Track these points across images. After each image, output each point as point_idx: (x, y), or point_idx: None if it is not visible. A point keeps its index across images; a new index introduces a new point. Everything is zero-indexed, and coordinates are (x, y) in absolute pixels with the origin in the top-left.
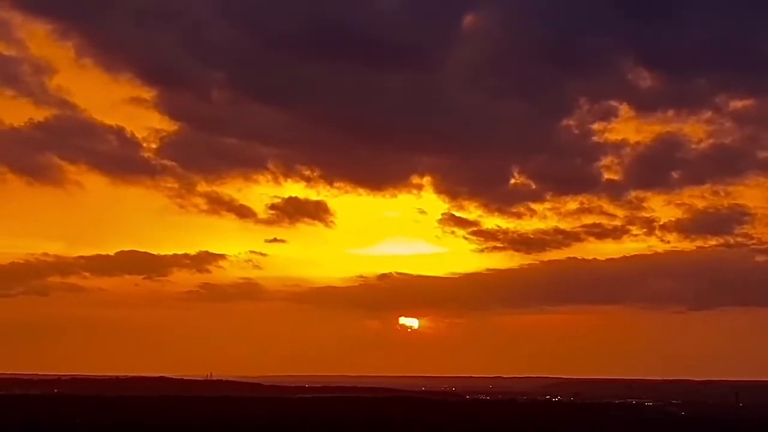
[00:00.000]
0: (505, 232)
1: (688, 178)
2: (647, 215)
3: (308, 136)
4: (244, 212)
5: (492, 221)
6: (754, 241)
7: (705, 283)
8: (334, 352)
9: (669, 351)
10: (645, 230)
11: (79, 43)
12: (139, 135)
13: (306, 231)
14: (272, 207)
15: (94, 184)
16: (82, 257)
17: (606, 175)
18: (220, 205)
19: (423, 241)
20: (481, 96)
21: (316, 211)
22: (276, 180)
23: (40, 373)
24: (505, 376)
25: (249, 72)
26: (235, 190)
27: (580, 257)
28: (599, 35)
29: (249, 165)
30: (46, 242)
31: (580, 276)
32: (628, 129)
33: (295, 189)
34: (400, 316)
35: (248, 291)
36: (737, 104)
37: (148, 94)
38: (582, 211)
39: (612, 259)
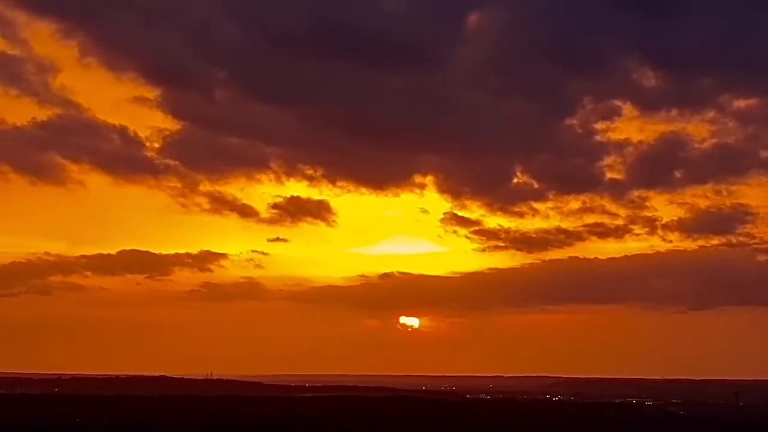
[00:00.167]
0: (507, 231)
1: (691, 178)
2: (649, 214)
3: (311, 135)
4: (246, 211)
5: (494, 220)
6: (756, 241)
7: (707, 283)
8: (334, 352)
9: (669, 351)
10: (647, 230)
11: (83, 42)
12: (142, 134)
13: (308, 230)
14: (274, 206)
15: (97, 183)
16: (83, 256)
17: (609, 175)
18: (222, 205)
19: (425, 240)
20: (485, 95)
21: (319, 211)
22: (279, 179)
23: (40, 372)
24: (505, 375)
25: (252, 71)
26: (237, 189)
27: (581, 257)
28: (603, 35)
29: (252, 164)
30: (47, 241)
31: (581, 275)
32: (631, 128)
33: (297, 188)
34: (402, 315)
35: (250, 290)
36: (741, 104)
37: (151, 93)
38: (584, 210)
39: (613, 258)
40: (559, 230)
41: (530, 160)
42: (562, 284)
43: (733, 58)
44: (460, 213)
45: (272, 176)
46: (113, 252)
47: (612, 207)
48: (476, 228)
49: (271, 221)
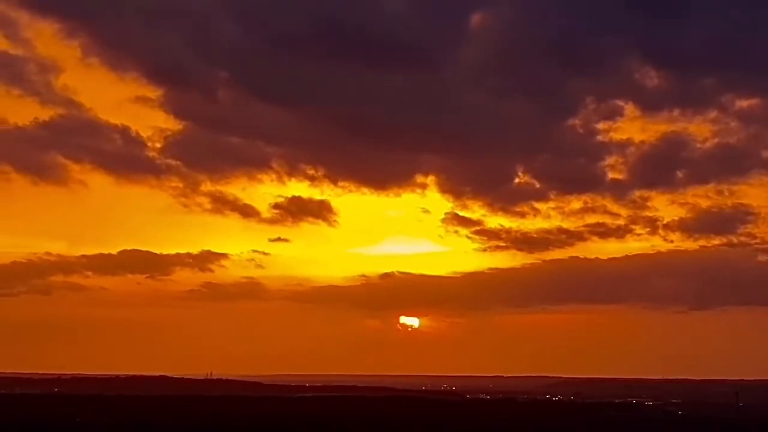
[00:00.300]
0: (508, 231)
1: (693, 178)
2: (651, 214)
3: (313, 135)
4: (247, 211)
5: (495, 220)
6: (757, 241)
7: (707, 283)
8: (335, 352)
9: (670, 351)
10: (648, 229)
11: (86, 42)
12: (144, 134)
13: (309, 230)
14: (276, 206)
15: (99, 183)
16: (84, 256)
17: (610, 175)
18: (224, 205)
19: (426, 240)
20: (486, 95)
21: (320, 211)
22: (280, 179)
23: (41, 372)
24: (505, 375)
25: (254, 72)
26: (239, 189)
27: (582, 256)
28: (605, 34)
29: (253, 164)
30: (48, 241)
31: (582, 275)
32: (633, 128)
33: (299, 188)
34: (402, 315)
35: (250, 290)
36: (743, 104)
37: (153, 93)
38: (586, 210)
39: (614, 258)
40: (560, 230)
41: (532, 160)
42: (563, 284)
43: (735, 58)
44: (462, 213)
45: (274, 176)
46: (114, 252)
47: (613, 207)
48: (477, 228)
49: (272, 221)
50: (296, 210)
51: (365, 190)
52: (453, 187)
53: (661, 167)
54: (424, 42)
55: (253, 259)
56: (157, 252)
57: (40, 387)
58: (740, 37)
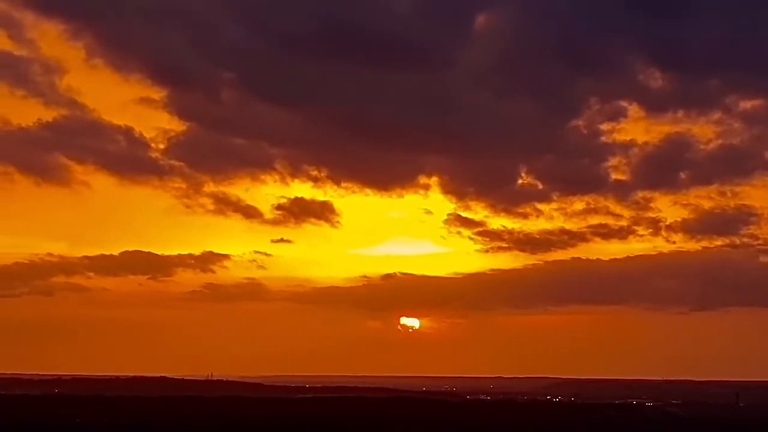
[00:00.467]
0: (511, 232)
1: (696, 179)
2: (653, 215)
3: (316, 136)
4: (250, 212)
5: (498, 221)
6: (760, 242)
7: (709, 284)
8: (335, 353)
9: (671, 352)
10: (651, 230)
11: (90, 43)
12: (147, 135)
13: (311, 231)
14: (278, 207)
15: (102, 184)
16: (86, 257)
17: (613, 176)
18: (226, 206)
19: (428, 241)
20: (490, 96)
21: (322, 212)
22: (283, 180)
23: (40, 373)
24: (506, 376)
25: (258, 72)
26: (242, 190)
27: (584, 257)
28: (610, 35)
29: (257, 165)
30: (50, 242)
31: (583, 276)
32: (637, 129)
33: (302, 189)
34: (403, 316)
35: (252, 291)
36: (747, 105)
37: (157, 94)
38: (588, 211)
39: (616, 259)
40: (563, 231)
41: (535, 161)
42: (565, 285)
43: (739, 59)
44: (464, 214)
45: (277, 177)
46: (116, 253)
47: (616, 208)
48: (480, 229)
49: (275, 222)
50: (299, 211)
51: (368, 191)
52: (456, 188)
53: (664, 168)
54: (428, 42)
55: (254, 260)
56: (159, 253)
57: (41, 388)
58: (745, 39)
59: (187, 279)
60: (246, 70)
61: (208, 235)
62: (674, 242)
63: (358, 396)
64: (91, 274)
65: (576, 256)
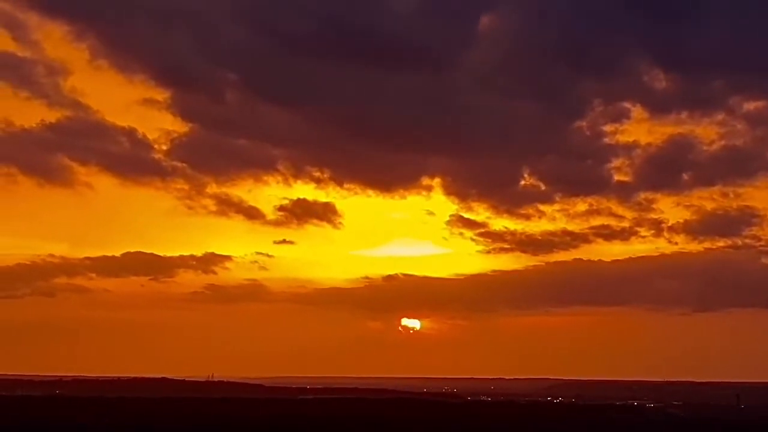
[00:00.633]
0: (513, 233)
1: (698, 180)
2: (656, 217)
3: (319, 137)
4: (252, 214)
5: (500, 223)
6: (761, 243)
7: (711, 285)
8: (336, 354)
9: (673, 353)
10: (653, 232)
11: (94, 44)
12: (150, 136)
13: (314, 232)
14: (281, 208)
15: (104, 185)
16: (88, 258)
17: (616, 177)
18: (229, 207)
19: (430, 242)
20: (493, 97)
21: (324, 213)
22: (286, 181)
23: (42, 374)
24: (507, 377)
25: (261, 74)
26: (245, 191)
27: (586, 258)
28: (614, 37)
29: (259, 166)
30: (52, 243)
31: (585, 278)
32: (640, 131)
33: (305, 190)
34: (405, 317)
35: (253, 292)
36: (750, 106)
37: (161, 95)
38: (591, 212)
39: (617, 260)
40: (565, 232)
41: (538, 162)
42: (567, 286)
43: (743, 60)
44: (467, 215)
45: (280, 178)
46: (118, 254)
47: (618, 209)
48: (482, 230)
49: (277, 223)
50: (301, 212)
51: (371, 192)
52: (458, 189)
53: (667, 169)
54: (432, 44)
55: (256, 261)
56: (161, 254)
57: (41, 389)
58: (748, 40)
59: (189, 280)
60: (249, 71)
61: (210, 236)
62: (676, 243)
63: (359, 397)
64: (93, 275)
65: (578, 257)
